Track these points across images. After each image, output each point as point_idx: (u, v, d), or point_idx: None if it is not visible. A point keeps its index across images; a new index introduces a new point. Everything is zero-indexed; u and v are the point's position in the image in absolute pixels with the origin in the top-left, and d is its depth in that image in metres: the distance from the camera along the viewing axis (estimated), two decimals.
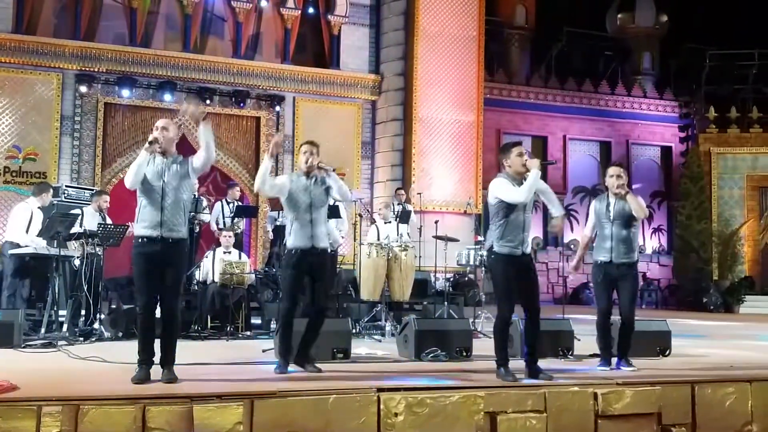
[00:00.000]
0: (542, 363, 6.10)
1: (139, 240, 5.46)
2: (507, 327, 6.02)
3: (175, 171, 5.51)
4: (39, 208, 9.08)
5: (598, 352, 7.53)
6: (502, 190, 5.93)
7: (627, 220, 6.56)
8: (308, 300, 6.30)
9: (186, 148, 16.33)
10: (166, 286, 5.45)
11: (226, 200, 12.34)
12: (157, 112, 16.18)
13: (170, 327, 5.51)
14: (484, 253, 6.66)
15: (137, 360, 5.38)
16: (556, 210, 6.20)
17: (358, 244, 10.17)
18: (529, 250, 6.02)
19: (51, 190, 9.55)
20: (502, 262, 5.93)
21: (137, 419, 4.54)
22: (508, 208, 5.93)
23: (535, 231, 22.42)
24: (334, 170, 6.21)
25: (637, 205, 6.56)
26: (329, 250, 6.52)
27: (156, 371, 5.37)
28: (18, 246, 8.81)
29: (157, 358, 5.43)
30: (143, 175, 5.45)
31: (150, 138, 5.50)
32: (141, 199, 5.50)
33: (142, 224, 5.46)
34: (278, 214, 12.55)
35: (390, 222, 10.39)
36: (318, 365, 6.09)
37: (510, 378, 5.74)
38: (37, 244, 8.58)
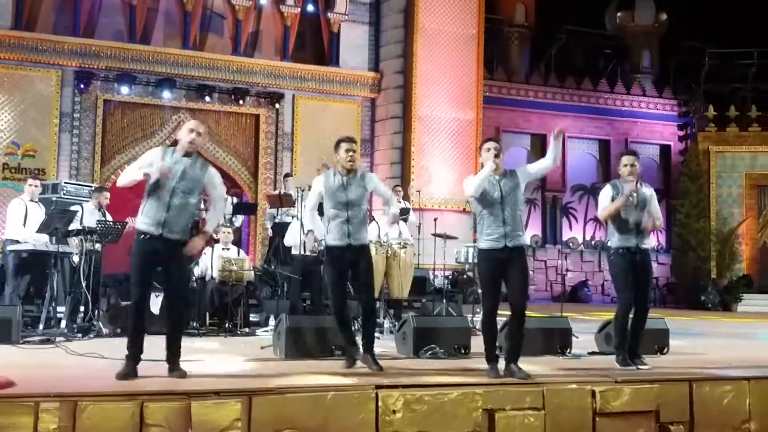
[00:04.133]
0: (541, 360, 6.11)
1: (141, 237, 5.40)
2: (492, 323, 6.00)
3: (192, 175, 5.47)
4: (31, 201, 9.07)
5: (596, 350, 7.56)
6: (465, 185, 5.97)
7: (645, 206, 6.58)
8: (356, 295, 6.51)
9: None
10: (170, 283, 5.50)
11: None
12: (156, 110, 16.22)
13: (178, 324, 5.56)
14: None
15: (125, 355, 5.34)
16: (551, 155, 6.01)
17: None
18: (514, 244, 5.83)
19: (28, 181, 9.40)
20: (484, 257, 5.94)
21: (135, 415, 4.53)
22: (483, 203, 5.89)
23: (534, 229, 22.43)
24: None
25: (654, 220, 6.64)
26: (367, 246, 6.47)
27: (146, 369, 5.37)
28: (18, 242, 8.80)
29: (151, 354, 5.44)
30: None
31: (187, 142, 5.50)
32: (149, 193, 5.41)
33: (145, 219, 5.40)
34: (277, 211, 12.57)
35: None
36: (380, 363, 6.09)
37: (492, 375, 5.74)
38: (37, 240, 8.58)
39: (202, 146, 5.66)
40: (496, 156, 5.85)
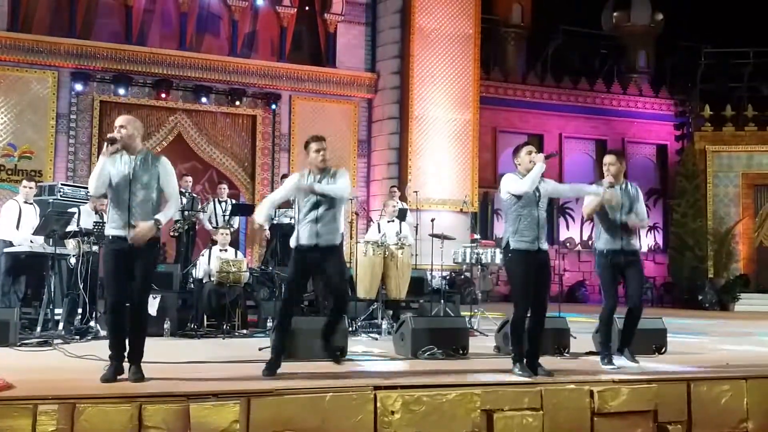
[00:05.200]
0: (540, 360, 6.11)
1: (109, 238, 5.44)
2: (524, 324, 6.06)
3: (145, 168, 5.44)
4: (26, 202, 9.03)
5: (594, 349, 7.57)
6: (510, 183, 6.04)
7: (630, 207, 6.61)
8: (326, 293, 6.39)
9: (183, 147, 16.36)
10: (134, 282, 5.39)
11: (218, 199, 12.43)
12: (153, 110, 16.20)
13: (137, 323, 5.48)
14: (501, 249, 6.71)
15: (108, 355, 5.37)
16: (596, 189, 6.31)
17: (355, 243, 10.17)
18: (545, 246, 6.05)
19: (23, 183, 9.38)
20: (519, 258, 5.98)
21: (134, 417, 4.53)
22: (521, 204, 5.99)
23: None
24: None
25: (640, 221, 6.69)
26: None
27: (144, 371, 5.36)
28: (11, 244, 8.78)
29: (149, 356, 5.43)
30: (108, 178, 5.38)
31: (108, 137, 5.41)
32: (110, 200, 5.47)
33: (111, 224, 5.42)
34: (274, 212, 12.56)
35: (393, 221, 10.39)
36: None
37: (527, 374, 5.80)
38: (34, 242, 8.55)
39: (132, 135, 5.44)
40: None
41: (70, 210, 9.13)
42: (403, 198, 13.28)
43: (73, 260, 8.68)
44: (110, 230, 5.45)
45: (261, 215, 6.31)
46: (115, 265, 5.39)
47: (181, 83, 16.41)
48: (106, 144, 5.40)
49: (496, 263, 10.67)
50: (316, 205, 5.95)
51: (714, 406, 5.93)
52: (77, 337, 8.07)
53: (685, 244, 21.46)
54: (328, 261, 6.00)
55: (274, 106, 17.10)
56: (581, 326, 9.05)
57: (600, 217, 6.63)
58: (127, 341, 5.40)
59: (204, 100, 16.47)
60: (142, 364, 5.37)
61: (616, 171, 6.64)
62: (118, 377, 5.25)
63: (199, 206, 12.18)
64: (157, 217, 5.40)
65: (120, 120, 5.54)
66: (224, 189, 12.75)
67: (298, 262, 6.02)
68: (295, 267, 6.04)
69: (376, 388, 5.16)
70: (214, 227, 11.71)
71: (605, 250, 6.58)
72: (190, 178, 12.41)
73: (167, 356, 6.46)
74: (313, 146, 6.08)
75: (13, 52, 15.31)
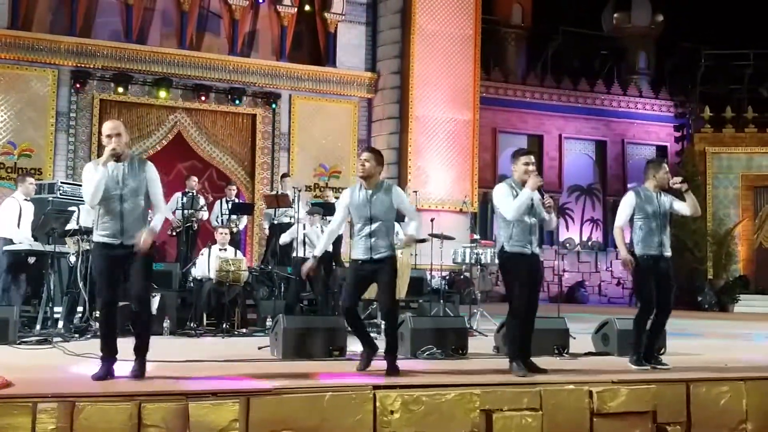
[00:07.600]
0: (539, 361, 6.13)
1: (100, 244, 5.39)
2: (521, 322, 6.10)
3: (133, 174, 5.37)
4: (25, 200, 9.01)
5: (593, 350, 7.60)
6: (499, 200, 6.14)
7: (669, 214, 6.74)
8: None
9: (183, 146, 16.35)
10: (132, 281, 5.36)
11: (226, 199, 12.55)
12: (153, 109, 16.20)
13: (144, 318, 5.52)
14: (496, 252, 6.86)
15: (100, 357, 5.35)
16: (551, 221, 6.22)
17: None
18: (537, 250, 6.13)
19: (28, 179, 9.39)
20: (513, 260, 6.08)
21: (133, 416, 4.53)
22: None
23: None
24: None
25: (696, 203, 6.79)
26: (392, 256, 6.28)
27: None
28: (11, 242, 8.77)
29: (149, 356, 5.45)
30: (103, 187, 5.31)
31: (109, 151, 5.29)
32: (98, 206, 5.39)
33: (102, 232, 5.38)
34: (274, 212, 12.59)
35: None
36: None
37: (521, 372, 5.82)
38: (32, 241, 8.55)
39: (127, 142, 5.44)
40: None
41: (69, 208, 9.13)
42: None
43: (72, 258, 8.68)
44: (101, 238, 5.38)
45: (319, 250, 6.50)
46: (109, 269, 5.35)
47: (180, 82, 16.41)
48: (109, 157, 5.30)
49: (495, 263, 10.67)
50: (369, 221, 6.09)
51: (713, 407, 5.93)
52: (77, 335, 8.08)
53: (684, 245, 21.42)
54: (381, 272, 6.11)
55: (274, 106, 17.10)
56: (580, 327, 9.05)
57: (639, 222, 6.68)
58: (136, 336, 5.44)
59: (204, 98, 16.46)
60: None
61: None
62: (109, 377, 5.24)
63: (200, 205, 12.20)
64: (151, 226, 5.44)
65: (108, 128, 5.40)
66: (233, 190, 12.85)
67: (353, 272, 6.24)
68: (351, 276, 6.27)
69: (376, 387, 5.16)
70: (214, 227, 11.74)
71: (645, 255, 6.63)
72: (195, 179, 12.49)
73: (167, 355, 6.47)
74: (362, 156, 6.29)
75: (13, 50, 15.30)
